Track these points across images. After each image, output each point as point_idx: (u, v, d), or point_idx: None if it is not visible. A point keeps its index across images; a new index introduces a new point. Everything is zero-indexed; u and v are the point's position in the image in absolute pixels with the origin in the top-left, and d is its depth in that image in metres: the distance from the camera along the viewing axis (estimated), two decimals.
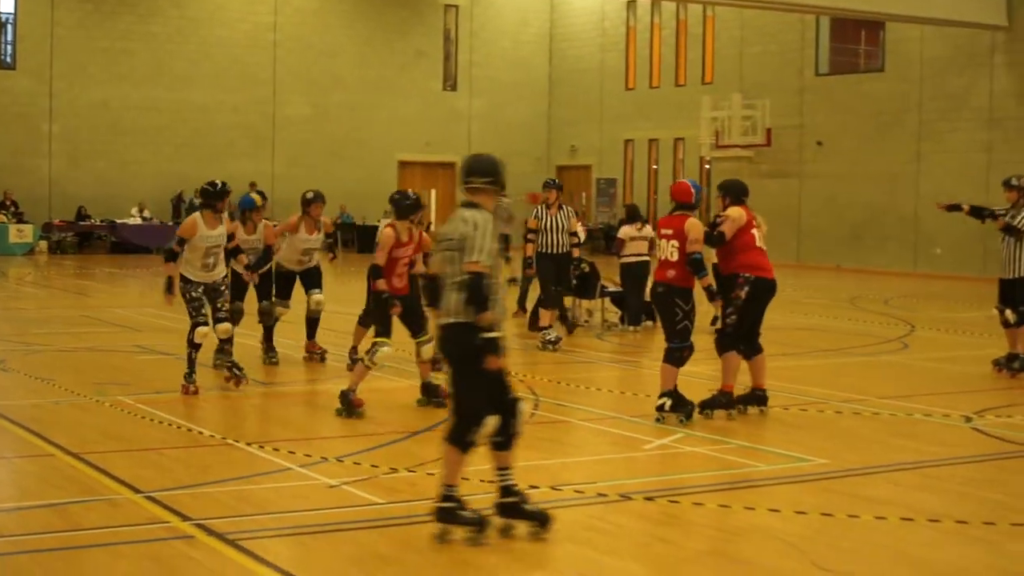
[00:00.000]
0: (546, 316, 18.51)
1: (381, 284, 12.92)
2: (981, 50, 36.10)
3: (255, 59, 44.98)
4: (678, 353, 12.63)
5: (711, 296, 12.83)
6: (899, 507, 9.42)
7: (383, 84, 46.98)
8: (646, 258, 20.50)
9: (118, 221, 41.01)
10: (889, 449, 11.72)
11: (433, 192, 37.81)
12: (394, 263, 13.07)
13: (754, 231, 13.15)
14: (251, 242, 15.79)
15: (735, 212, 13.13)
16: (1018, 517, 9.21)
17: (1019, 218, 16.36)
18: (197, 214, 14.10)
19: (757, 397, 13.26)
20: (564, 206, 18.73)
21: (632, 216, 21.12)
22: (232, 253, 14.92)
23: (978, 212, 17.47)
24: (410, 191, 13.83)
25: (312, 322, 16.69)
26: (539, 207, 18.78)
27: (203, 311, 13.97)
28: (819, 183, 40.11)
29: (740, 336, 13.07)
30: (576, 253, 18.85)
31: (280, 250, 16.37)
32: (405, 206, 13.32)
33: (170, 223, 40.81)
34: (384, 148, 46.87)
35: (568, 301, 20.23)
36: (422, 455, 10.82)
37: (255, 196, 16.40)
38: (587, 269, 20.81)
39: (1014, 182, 16.91)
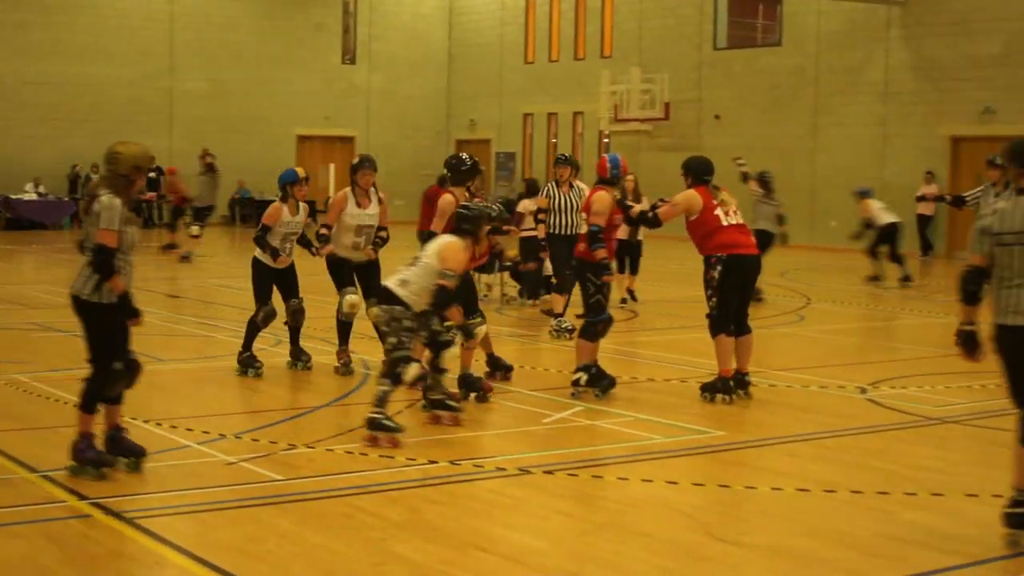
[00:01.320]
0: (559, 302, 17.50)
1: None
2: (877, 25, 36.44)
3: (152, 33, 44.46)
4: (593, 328, 12.64)
5: (602, 270, 12.63)
6: (795, 478, 9.54)
7: (282, 58, 46.62)
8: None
9: (13, 196, 40.45)
10: (786, 421, 11.86)
11: (332, 167, 37.52)
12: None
13: (717, 211, 12.83)
14: (294, 224, 13.89)
15: (682, 197, 12.86)
16: (911, 487, 9.34)
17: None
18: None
19: (739, 381, 12.84)
20: (574, 184, 17.64)
21: (531, 190, 21.12)
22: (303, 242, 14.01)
23: (958, 200, 17.46)
24: (465, 155, 13.23)
25: (344, 327, 14.00)
26: (550, 185, 17.72)
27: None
28: (716, 157, 39.95)
29: (729, 317, 12.61)
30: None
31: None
32: (463, 171, 12.88)
33: (66, 199, 40.38)
34: (283, 123, 46.52)
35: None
36: (321, 431, 10.81)
37: (298, 169, 14.16)
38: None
39: (999, 160, 17.05)
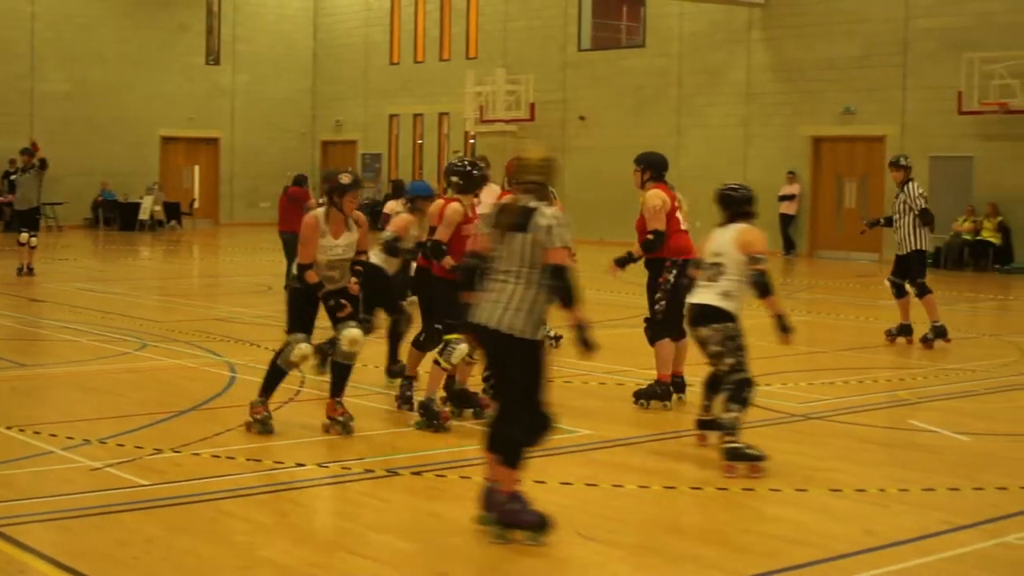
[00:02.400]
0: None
1: (449, 262, 11.51)
2: (739, 26, 36.87)
3: (12, 33, 43.71)
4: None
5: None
6: (662, 476, 9.63)
7: (144, 59, 46.08)
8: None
9: None
10: (651, 418, 11.95)
11: (196, 169, 37.30)
12: (461, 242, 11.37)
13: (679, 214, 12.65)
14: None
15: (657, 200, 12.46)
16: (776, 482, 9.47)
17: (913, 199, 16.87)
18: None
19: (678, 384, 12.72)
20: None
21: (397, 191, 21.06)
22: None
23: (889, 220, 17.68)
24: (466, 159, 12.37)
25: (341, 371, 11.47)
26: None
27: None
28: (582, 157, 40.54)
29: (673, 322, 12.38)
30: None
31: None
32: (476, 178, 11.96)
33: None
34: (146, 124, 45.97)
35: None
36: (187, 435, 10.71)
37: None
38: None
39: (903, 162, 17.36)
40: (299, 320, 10.99)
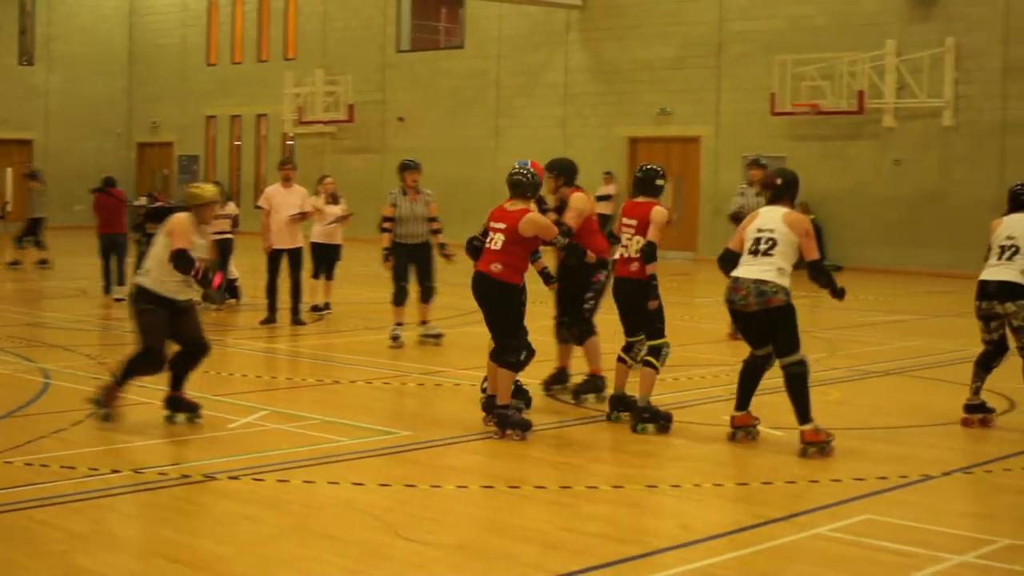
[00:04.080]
0: (399, 312, 16.76)
1: (652, 268, 11.60)
2: (556, 28, 37.15)
3: None
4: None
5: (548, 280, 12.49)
6: (480, 475, 9.67)
7: None
8: (229, 235, 20.32)
9: None
10: (470, 419, 11.96)
11: (9, 171, 36.51)
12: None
13: (595, 216, 12.78)
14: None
15: (581, 202, 12.45)
16: (592, 480, 9.56)
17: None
18: None
19: (596, 380, 12.90)
20: (422, 191, 17.13)
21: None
22: None
23: (736, 216, 17.75)
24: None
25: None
26: (396, 192, 17.00)
27: None
28: (401, 158, 40.45)
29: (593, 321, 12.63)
30: (439, 239, 17.07)
31: None
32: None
33: None
34: None
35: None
36: None
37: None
38: None
39: (763, 161, 17.61)
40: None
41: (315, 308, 19.76)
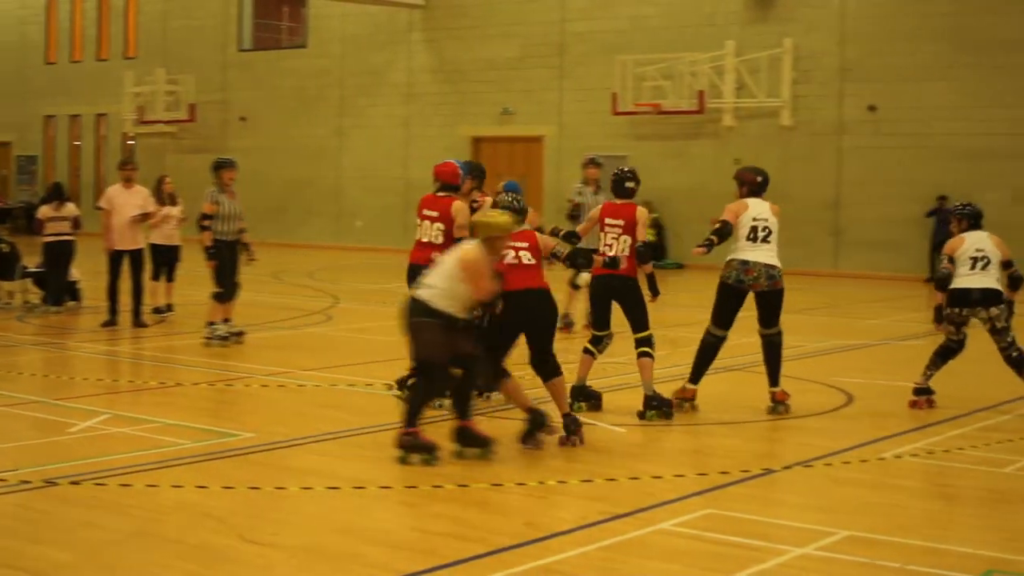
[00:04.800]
0: (218, 310, 16.70)
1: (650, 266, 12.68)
2: (399, 27, 37.11)
3: None
4: None
5: None
6: (325, 476, 9.62)
7: None
8: (68, 237, 20.00)
9: None
10: (314, 420, 11.93)
11: None
12: None
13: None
14: None
15: (489, 204, 12.46)
16: (438, 480, 9.56)
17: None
18: None
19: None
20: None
21: (54, 194, 20.50)
22: None
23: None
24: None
25: None
26: (213, 190, 16.71)
27: None
28: (243, 158, 39.83)
29: None
30: (246, 238, 16.95)
31: None
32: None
33: None
34: None
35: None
36: None
37: None
38: (7, 249, 20.30)
39: (599, 160, 17.84)
40: None
41: (157, 310, 19.51)
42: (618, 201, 12.41)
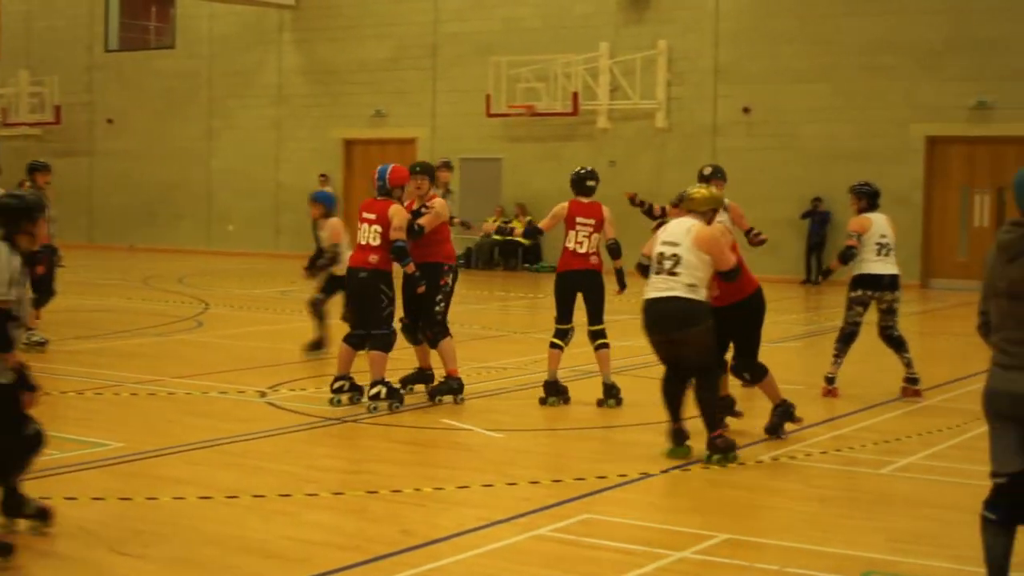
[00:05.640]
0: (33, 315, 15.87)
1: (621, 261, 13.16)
2: (269, 28, 36.81)
3: None
4: (387, 339, 12.36)
5: (416, 283, 12.55)
6: (197, 486, 9.45)
7: None
8: None
9: None
10: (186, 428, 11.74)
11: None
12: None
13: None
14: None
15: (441, 205, 13.04)
16: (312, 488, 9.44)
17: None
18: None
19: (426, 375, 13.45)
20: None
21: None
22: None
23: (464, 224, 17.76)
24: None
25: None
26: (40, 193, 15.91)
27: None
28: (111, 161, 39.72)
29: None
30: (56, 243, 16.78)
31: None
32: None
33: None
34: None
35: None
36: None
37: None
38: None
39: (452, 163, 18.74)
40: None
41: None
42: (584, 200, 13.08)
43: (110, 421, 12.01)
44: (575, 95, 31.67)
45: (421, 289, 12.60)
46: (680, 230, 10.46)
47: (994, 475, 6.64)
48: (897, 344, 13.65)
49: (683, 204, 10.87)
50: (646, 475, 10.06)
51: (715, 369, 10.62)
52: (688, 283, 10.25)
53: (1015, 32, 27.60)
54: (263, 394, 13.33)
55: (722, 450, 10.32)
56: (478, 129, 33.20)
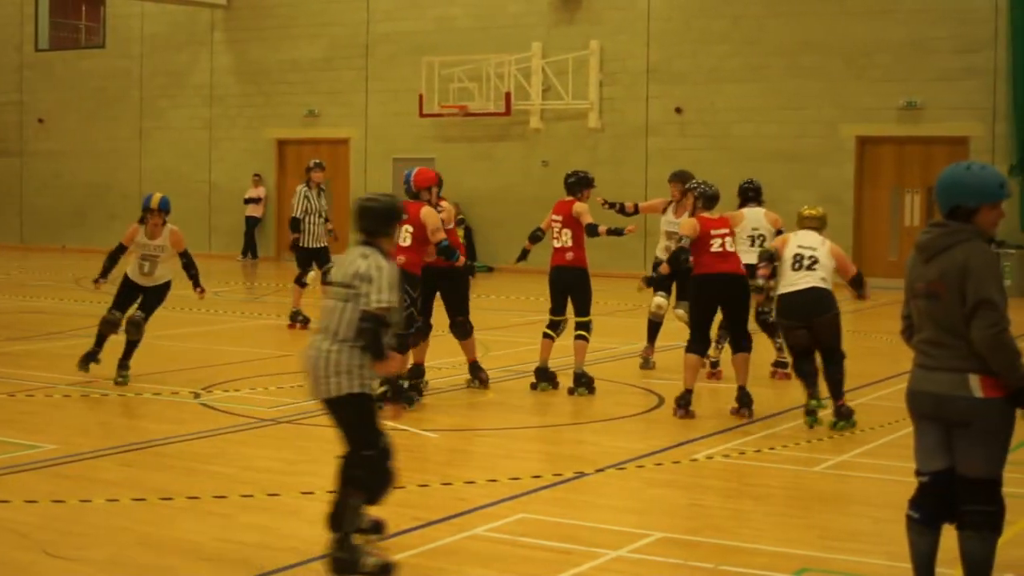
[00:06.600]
0: None
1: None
2: (201, 27, 36.61)
3: None
4: (404, 340, 12.31)
5: (471, 271, 14.04)
6: (131, 488, 9.42)
7: None
8: None
9: None
10: (120, 430, 11.70)
11: None
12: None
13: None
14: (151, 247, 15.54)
15: (448, 209, 13.62)
16: (248, 489, 9.42)
17: None
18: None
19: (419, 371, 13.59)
20: None
21: None
22: None
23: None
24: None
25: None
26: None
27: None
28: (42, 161, 39.38)
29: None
30: None
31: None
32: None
33: None
34: None
35: None
36: None
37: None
38: None
39: (324, 165, 19.17)
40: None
41: None
42: (563, 199, 14.15)
43: (43, 423, 11.93)
44: (508, 95, 31.67)
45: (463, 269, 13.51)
46: (815, 240, 12.26)
47: (918, 473, 6.73)
48: (771, 329, 14.53)
49: (799, 222, 12.60)
50: (581, 474, 10.10)
51: (841, 349, 12.05)
52: (822, 276, 11.99)
53: (942, 33, 27.82)
54: (197, 395, 13.29)
55: (846, 416, 11.92)
56: (411, 129, 33.14)
